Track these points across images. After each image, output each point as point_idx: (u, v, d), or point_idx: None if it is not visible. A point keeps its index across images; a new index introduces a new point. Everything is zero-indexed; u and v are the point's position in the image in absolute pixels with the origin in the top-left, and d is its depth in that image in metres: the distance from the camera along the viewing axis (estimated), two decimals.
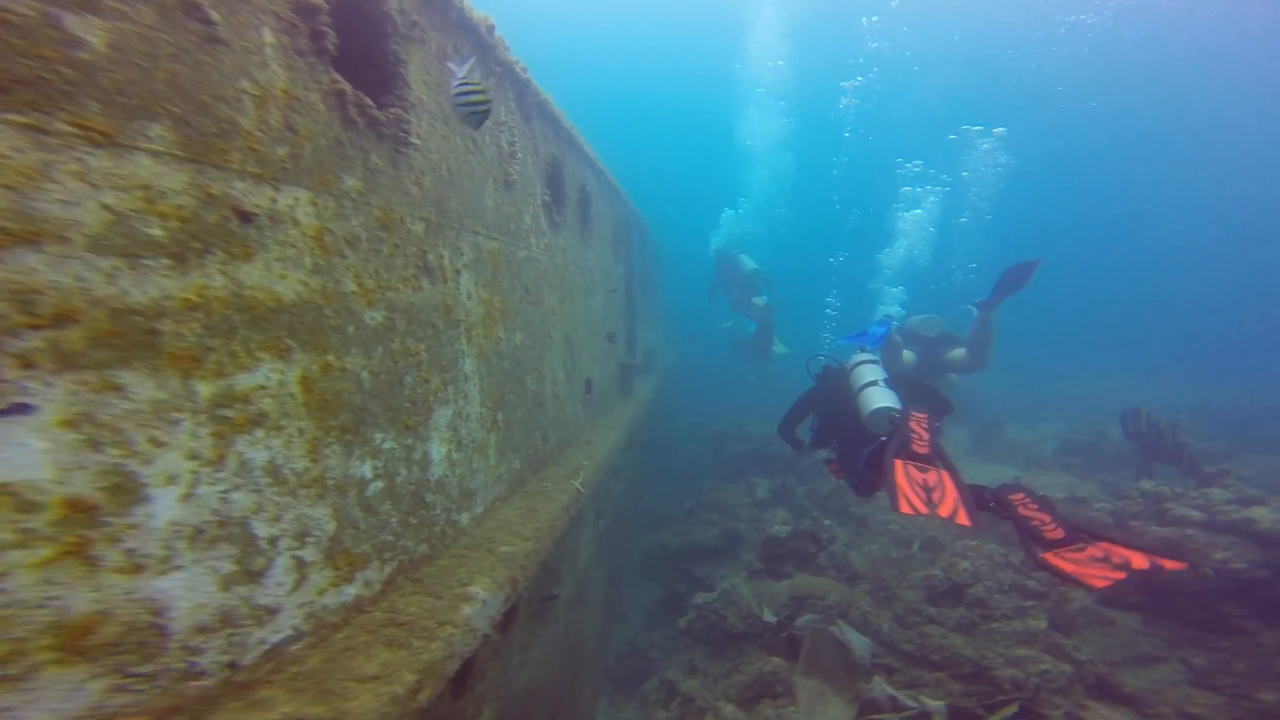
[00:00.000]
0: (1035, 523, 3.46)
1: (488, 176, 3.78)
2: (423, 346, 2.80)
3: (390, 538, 2.48)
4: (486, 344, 3.62)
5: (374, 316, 2.41)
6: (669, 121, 51.90)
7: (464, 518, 3.28)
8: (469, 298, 3.38)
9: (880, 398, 4.64)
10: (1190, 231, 46.40)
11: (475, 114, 2.48)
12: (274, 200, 1.97)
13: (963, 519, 3.22)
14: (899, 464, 3.62)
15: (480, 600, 2.47)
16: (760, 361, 15.16)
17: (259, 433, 1.86)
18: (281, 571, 1.91)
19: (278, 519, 1.91)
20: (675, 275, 20.69)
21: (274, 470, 1.91)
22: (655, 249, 15.77)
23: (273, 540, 1.89)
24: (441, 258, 3.03)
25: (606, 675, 6.87)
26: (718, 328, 18.26)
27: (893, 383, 4.85)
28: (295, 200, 2.06)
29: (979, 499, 3.67)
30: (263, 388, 1.88)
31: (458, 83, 2.44)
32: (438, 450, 2.95)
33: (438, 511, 2.92)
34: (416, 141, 2.78)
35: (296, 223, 2.06)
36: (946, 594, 5.87)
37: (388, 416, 2.49)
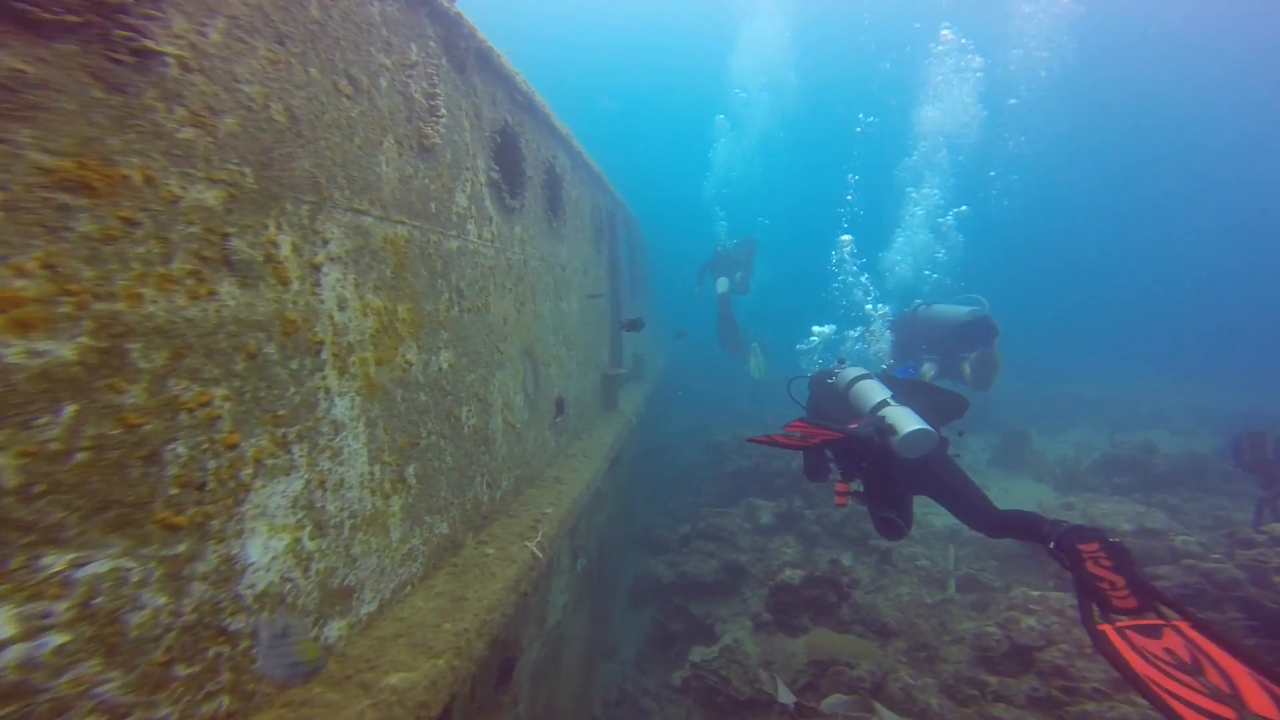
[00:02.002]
0: (1104, 584, 2.91)
1: (384, 134, 2.65)
2: (221, 391, 1.67)
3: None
4: (382, 373, 2.49)
5: (50, 349, 1.27)
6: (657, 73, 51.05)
7: (336, 629, 2.16)
8: (341, 306, 2.25)
9: (906, 419, 3.95)
10: (1201, 218, 44.96)
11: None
12: None
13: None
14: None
15: None
16: (728, 354, 14.95)
17: None
18: None
19: None
20: (665, 264, 19.57)
21: None
22: (644, 242, 14.65)
23: None
24: (271, 246, 1.90)
25: None
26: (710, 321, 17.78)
27: (902, 397, 4.25)
28: None
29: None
30: None
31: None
32: (264, 547, 1.82)
33: (266, 639, 1.79)
34: (175, 51, 1.63)
35: None
36: (1007, 657, 4.75)
37: (99, 520, 1.35)
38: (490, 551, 3.20)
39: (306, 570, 2.00)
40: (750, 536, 8.50)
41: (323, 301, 2.14)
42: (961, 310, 8.06)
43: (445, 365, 3.11)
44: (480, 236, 3.78)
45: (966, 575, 6.20)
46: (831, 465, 4.83)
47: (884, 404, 4.17)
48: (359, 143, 2.44)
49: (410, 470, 2.64)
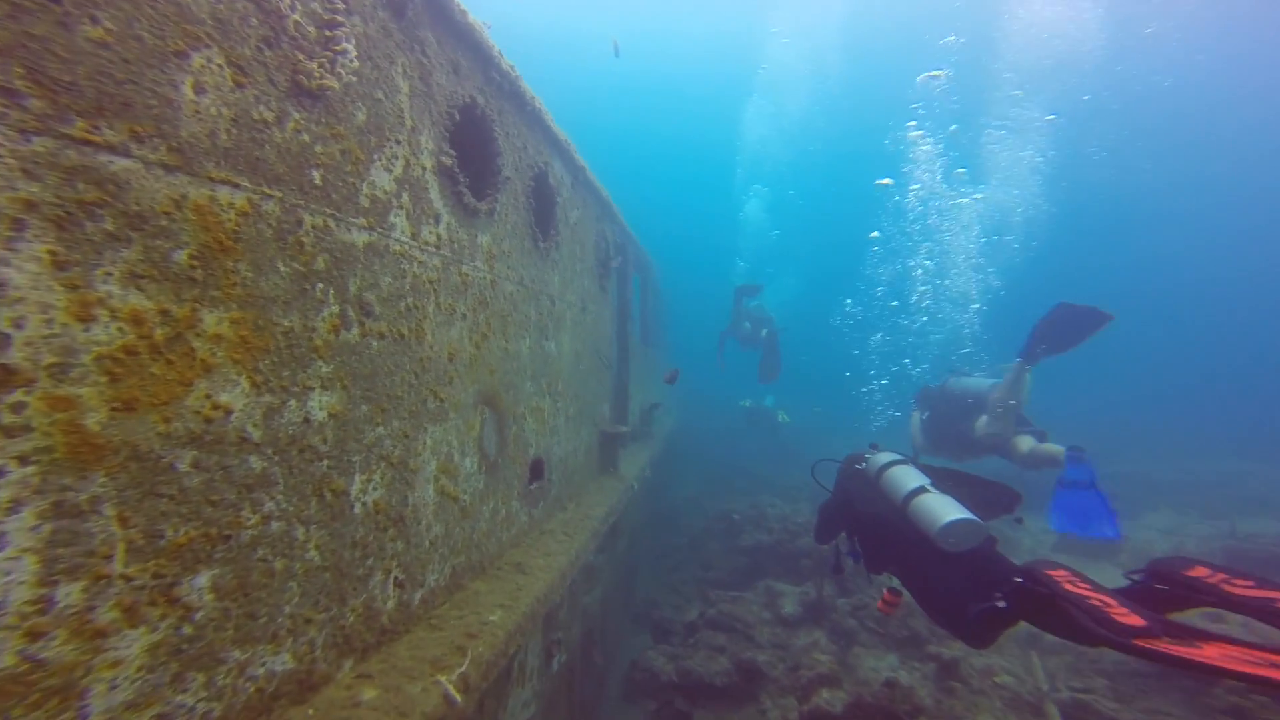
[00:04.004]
0: (1095, 602, 2.77)
1: (194, 42, 1.63)
2: None
3: None
4: (131, 423, 1.39)
5: None
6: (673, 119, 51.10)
7: None
8: (16, 300, 1.17)
9: (944, 508, 3.58)
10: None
11: None
12: None
13: None
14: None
15: None
16: (767, 381, 15.24)
17: None
18: None
19: None
20: (681, 323, 18.68)
21: None
22: (660, 291, 13.68)
23: None
24: None
25: None
26: (735, 404, 18.74)
27: (943, 485, 3.90)
28: None
29: None
30: None
31: None
32: None
33: None
34: None
35: None
36: None
37: None
38: (368, 695, 2.02)
39: None
40: (770, 629, 7.12)
41: None
42: (985, 383, 7.35)
43: (321, 414, 2.02)
44: (415, 237, 2.74)
45: (1073, 700, 4.81)
46: (849, 557, 4.55)
47: (920, 491, 3.80)
48: (114, 38, 1.41)
49: (197, 583, 1.50)
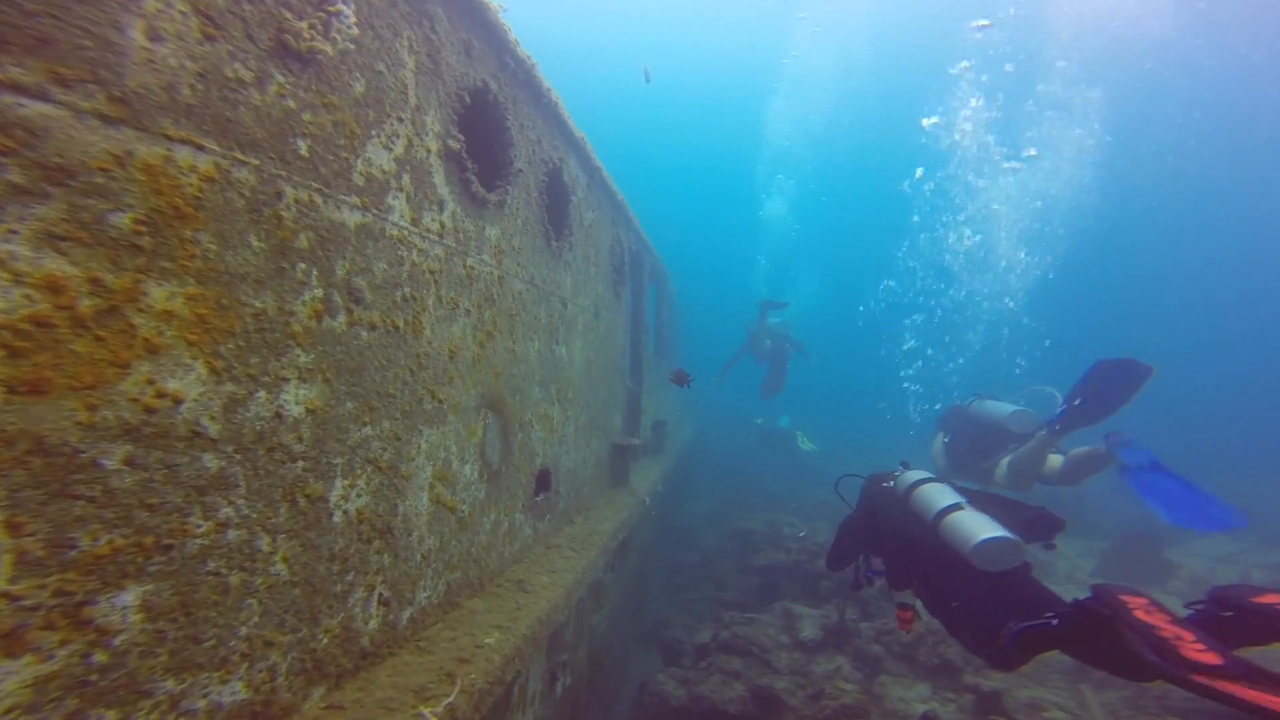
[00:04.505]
0: (1165, 634, 2.48)
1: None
2: None
3: None
4: (32, 410, 1.18)
5: None
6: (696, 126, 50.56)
7: None
8: None
9: (979, 525, 3.42)
10: None
11: None
12: None
13: None
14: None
15: None
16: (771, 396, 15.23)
17: None
18: None
19: None
20: (694, 338, 18.40)
21: None
22: (676, 304, 13.45)
23: None
24: None
25: None
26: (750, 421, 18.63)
27: (977, 503, 3.76)
28: None
29: None
30: None
31: None
32: None
33: None
34: None
35: None
36: None
37: None
38: None
39: None
40: (788, 654, 6.76)
41: None
42: (1005, 408, 6.87)
43: (297, 408, 1.79)
44: (415, 223, 2.53)
45: None
46: (870, 575, 4.44)
47: (954, 508, 3.63)
48: None
49: (120, 601, 1.25)
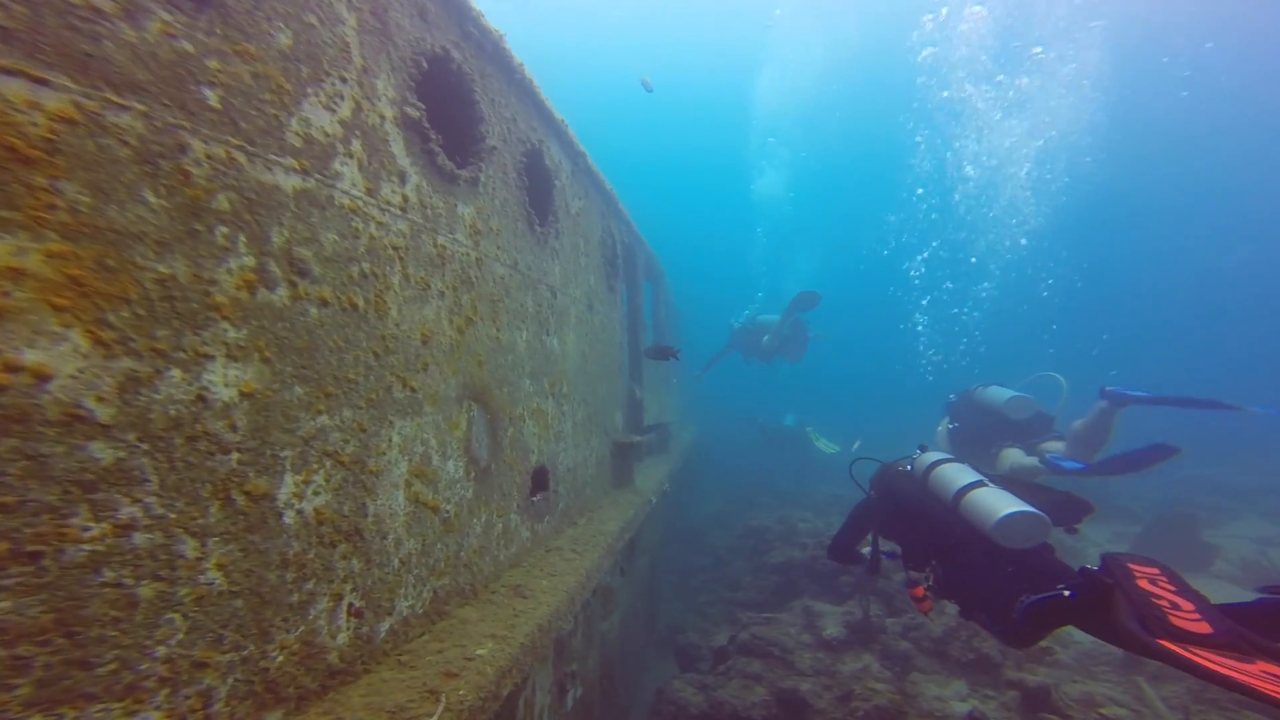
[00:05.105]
0: (1160, 600, 2.39)
1: None
2: None
3: None
4: None
5: None
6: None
7: None
8: None
9: (1003, 501, 3.33)
10: None
11: None
12: None
13: None
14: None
15: None
16: (791, 362, 15.02)
17: None
18: None
19: None
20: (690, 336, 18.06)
21: None
22: (673, 304, 13.19)
23: None
24: None
25: None
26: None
27: (1000, 483, 3.64)
28: None
29: None
30: None
31: None
32: None
33: None
34: None
35: None
36: None
37: None
38: None
39: None
40: (811, 653, 6.45)
41: None
42: (1004, 393, 6.73)
43: (228, 391, 1.54)
44: (371, 193, 2.28)
45: None
46: (886, 556, 4.28)
47: (976, 485, 3.53)
48: None
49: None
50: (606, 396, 5.85)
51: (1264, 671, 2.01)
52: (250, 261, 1.66)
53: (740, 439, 19.98)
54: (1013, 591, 3.09)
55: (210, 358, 1.50)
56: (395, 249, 2.42)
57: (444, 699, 1.93)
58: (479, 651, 2.33)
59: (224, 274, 1.57)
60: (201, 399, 1.46)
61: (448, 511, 2.68)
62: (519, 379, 3.63)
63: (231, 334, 1.57)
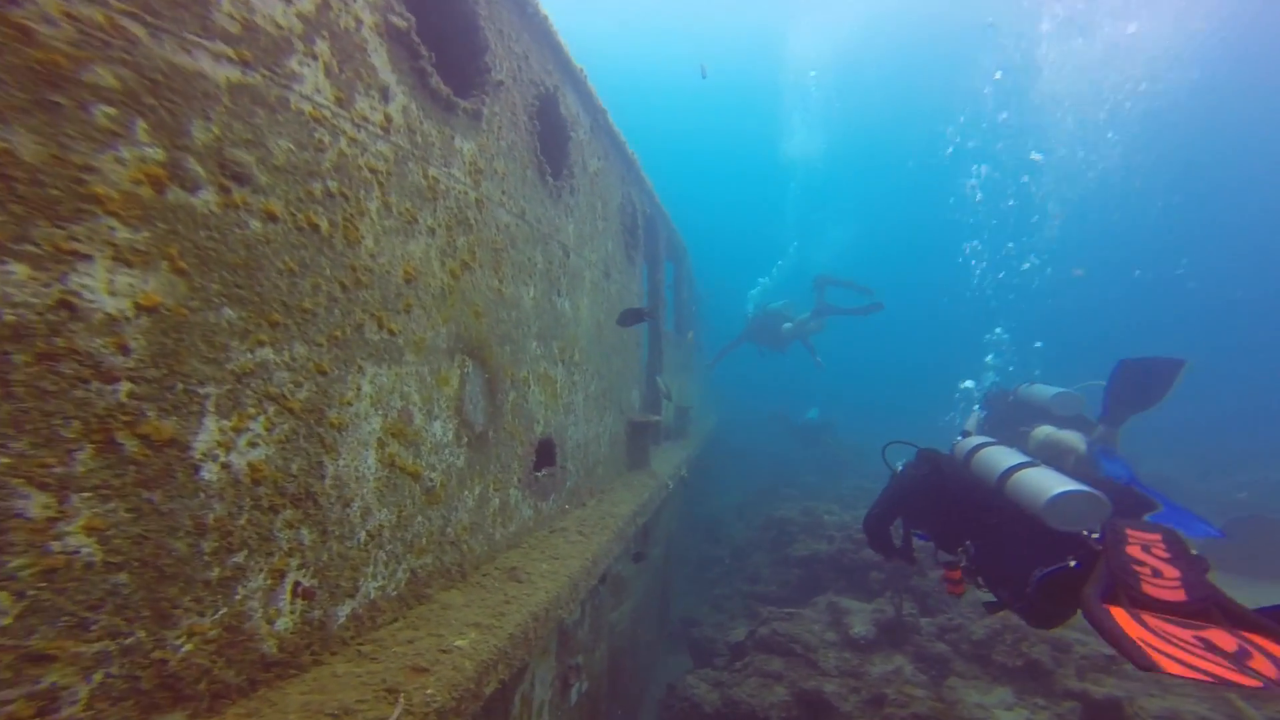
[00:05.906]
0: (1140, 567, 2.39)
1: None
2: None
3: None
4: None
5: None
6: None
7: None
8: None
9: (1054, 480, 3.09)
10: None
11: None
12: None
13: None
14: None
15: None
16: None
17: None
18: None
19: None
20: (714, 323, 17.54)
21: None
22: (695, 283, 12.74)
23: None
24: None
25: None
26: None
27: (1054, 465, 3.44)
28: None
29: None
30: None
31: None
32: None
33: None
34: None
35: None
36: None
37: None
38: None
39: None
40: (837, 653, 6.04)
41: None
42: (1050, 390, 6.59)
43: (116, 302, 1.20)
44: (343, 105, 1.92)
45: None
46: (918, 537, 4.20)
47: (1026, 465, 3.36)
48: None
49: None
50: (622, 371, 5.48)
51: (1202, 638, 1.97)
52: (157, 154, 1.31)
53: (763, 434, 19.56)
54: (1029, 565, 2.98)
55: (85, 257, 1.15)
56: (374, 171, 2.06)
57: (402, 700, 1.58)
58: (458, 642, 1.98)
59: (109, 162, 1.21)
60: (65, 304, 1.11)
61: (432, 480, 2.33)
62: (524, 338, 3.27)
63: (124, 235, 1.22)
